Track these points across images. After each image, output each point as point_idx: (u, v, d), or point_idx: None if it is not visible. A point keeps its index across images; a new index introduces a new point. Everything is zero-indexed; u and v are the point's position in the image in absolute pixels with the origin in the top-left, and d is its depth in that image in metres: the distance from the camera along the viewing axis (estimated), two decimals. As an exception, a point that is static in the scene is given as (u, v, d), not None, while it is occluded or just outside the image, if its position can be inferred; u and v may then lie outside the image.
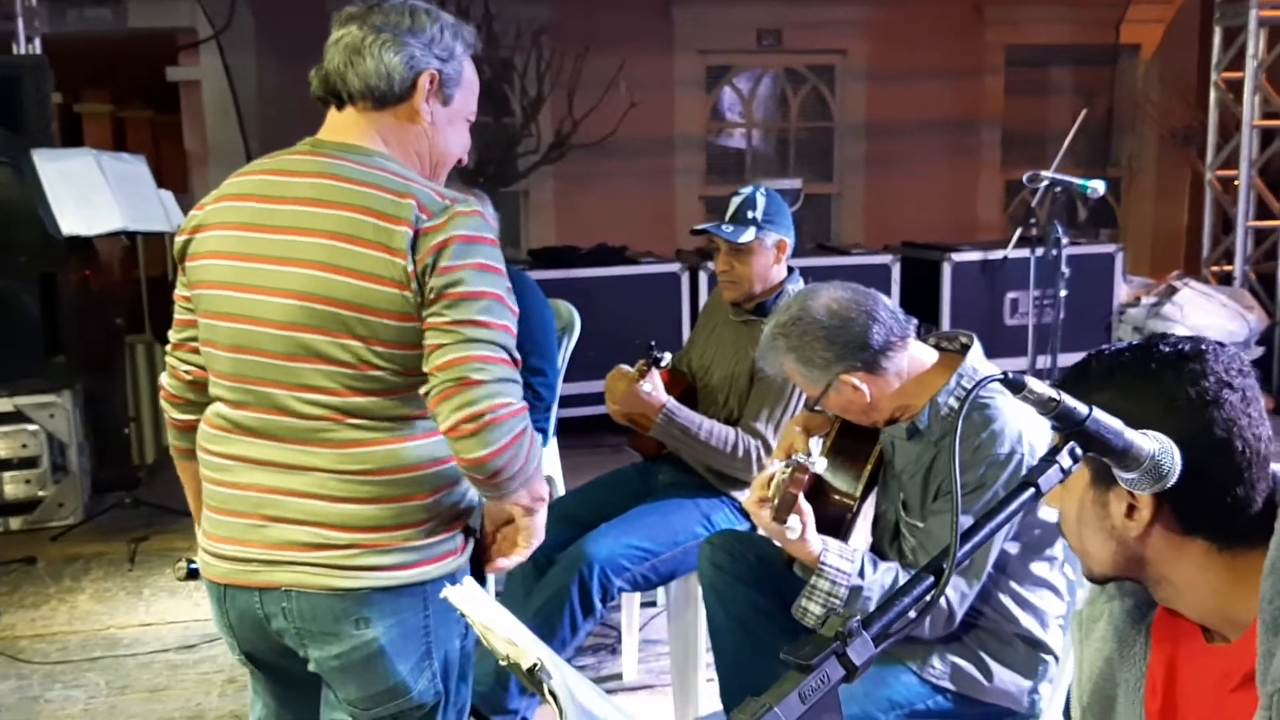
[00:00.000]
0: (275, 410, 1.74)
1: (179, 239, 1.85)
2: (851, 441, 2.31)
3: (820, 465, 2.02)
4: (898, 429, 2.24)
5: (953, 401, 2.17)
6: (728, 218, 3.07)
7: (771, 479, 2.06)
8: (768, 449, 3.03)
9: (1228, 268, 7.30)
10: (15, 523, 4.94)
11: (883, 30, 8.24)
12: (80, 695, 3.49)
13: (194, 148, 7.54)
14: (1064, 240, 4.79)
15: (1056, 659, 2.26)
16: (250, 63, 7.25)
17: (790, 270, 3.18)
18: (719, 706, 2.54)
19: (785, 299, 3.11)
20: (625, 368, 3.09)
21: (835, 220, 8.53)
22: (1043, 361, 5.18)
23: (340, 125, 1.80)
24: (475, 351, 1.66)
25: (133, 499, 4.94)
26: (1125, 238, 8.61)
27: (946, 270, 6.19)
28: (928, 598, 1.01)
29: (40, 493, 4.96)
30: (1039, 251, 5.60)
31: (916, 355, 2.23)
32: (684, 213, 8.28)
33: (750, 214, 3.06)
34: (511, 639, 1.20)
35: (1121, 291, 6.51)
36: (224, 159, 7.16)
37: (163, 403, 1.98)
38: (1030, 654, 2.23)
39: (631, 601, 3.51)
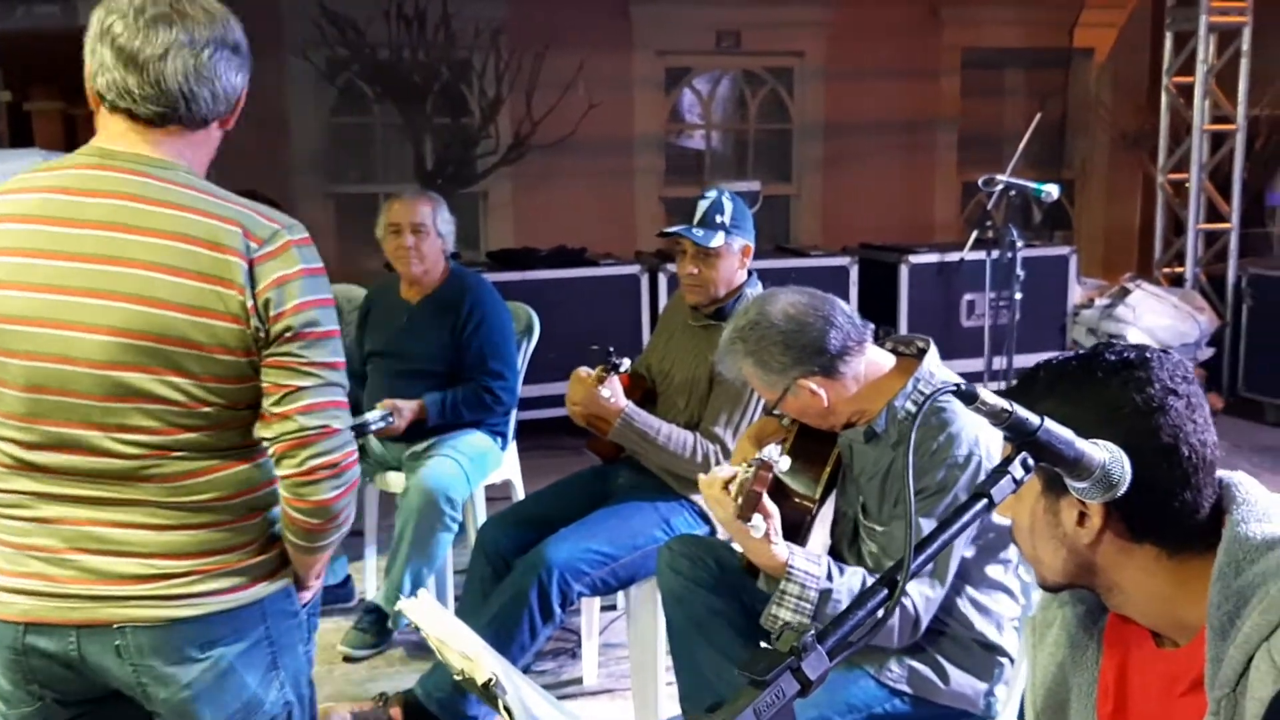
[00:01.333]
0: (85, 452, 1.62)
1: None
2: (810, 445, 2.32)
3: (784, 464, 2.03)
4: (855, 433, 2.25)
5: (909, 405, 2.19)
6: (696, 221, 3.07)
7: (731, 479, 2.07)
8: (726, 453, 3.04)
9: (1179, 269, 7.40)
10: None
11: (840, 32, 8.28)
12: None
13: (147, 147, 7.44)
14: (1019, 243, 4.84)
15: (1012, 661, 2.28)
16: (202, 61, 7.16)
17: (749, 274, 3.19)
18: (679, 711, 2.54)
19: (744, 302, 3.13)
20: (585, 371, 3.09)
21: (793, 221, 8.57)
22: (999, 363, 5.22)
23: (135, 136, 1.65)
24: (335, 397, 1.70)
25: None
26: (1078, 239, 8.71)
27: (904, 272, 6.23)
28: (881, 612, 1.01)
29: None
30: (995, 254, 5.65)
31: (873, 360, 2.25)
32: (643, 213, 8.28)
33: (719, 218, 3.06)
34: (466, 653, 1.19)
35: (1076, 293, 6.58)
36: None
37: None
38: (986, 657, 2.25)
39: (591, 605, 3.50)
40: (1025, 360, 5.66)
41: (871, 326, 2.26)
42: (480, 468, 3.81)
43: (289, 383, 1.65)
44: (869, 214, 8.12)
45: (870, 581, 2.11)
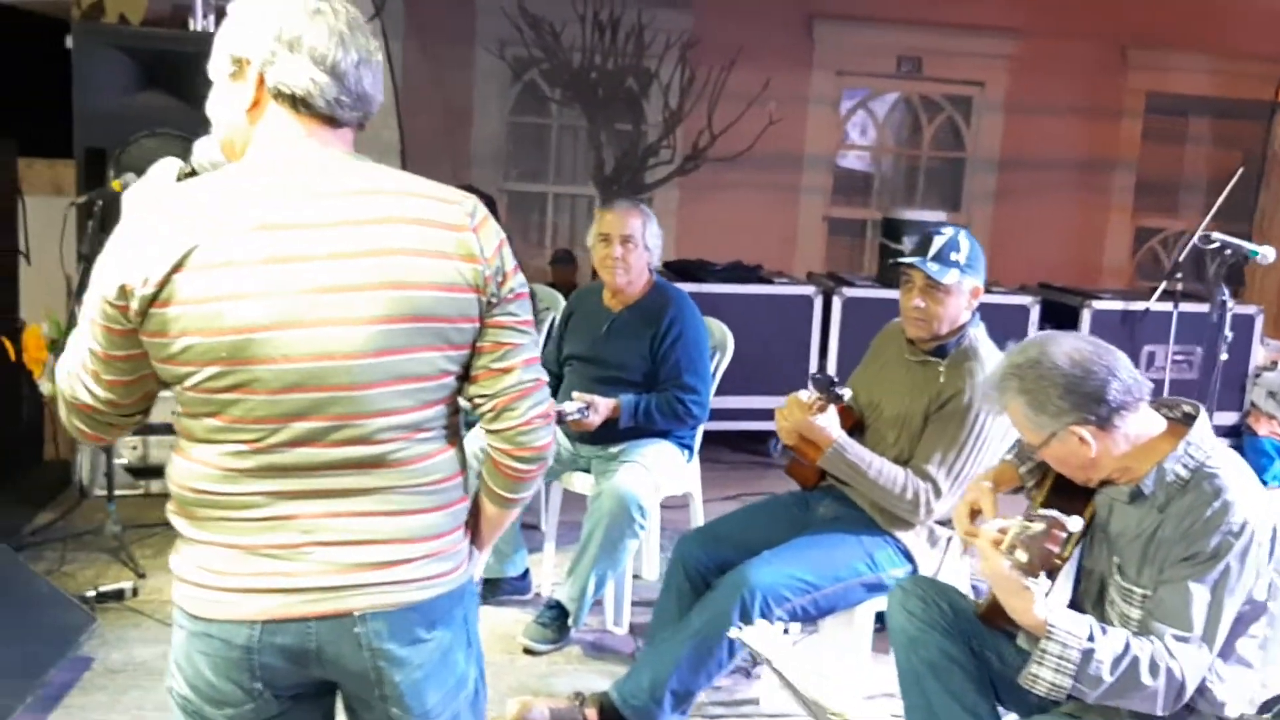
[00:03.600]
0: (335, 444, 1.66)
1: (143, 289, 1.60)
2: (1064, 499, 2.30)
3: (1076, 525, 2.01)
4: (1118, 491, 2.22)
5: (1180, 469, 2.15)
6: (931, 255, 3.07)
7: (1006, 530, 2.06)
8: (937, 492, 3.03)
9: (1363, 337, 7.10)
10: (155, 485, 5.07)
11: (1024, 65, 8.17)
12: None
13: (336, 129, 7.67)
14: (1230, 302, 4.70)
15: (1244, 736, 2.23)
16: (397, 49, 7.37)
17: (973, 314, 3.17)
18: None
19: (966, 342, 3.12)
20: (803, 396, 3.10)
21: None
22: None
23: (327, 133, 1.70)
24: (538, 353, 1.81)
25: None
26: (1252, 298, 8.41)
27: (1086, 317, 6.09)
28: None
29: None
30: (1182, 306, 5.54)
31: (1146, 419, 2.22)
32: (806, 231, 8.28)
33: (954, 255, 3.06)
34: (832, 691, 1.20)
35: (1259, 354, 6.37)
36: (367, 143, 7.28)
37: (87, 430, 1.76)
38: (1216, 730, 2.21)
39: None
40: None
41: (1151, 386, 2.23)
42: (669, 478, 3.86)
43: (510, 340, 1.74)
44: (1037, 251, 7.97)
45: (1134, 644, 2.09)
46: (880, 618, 3.02)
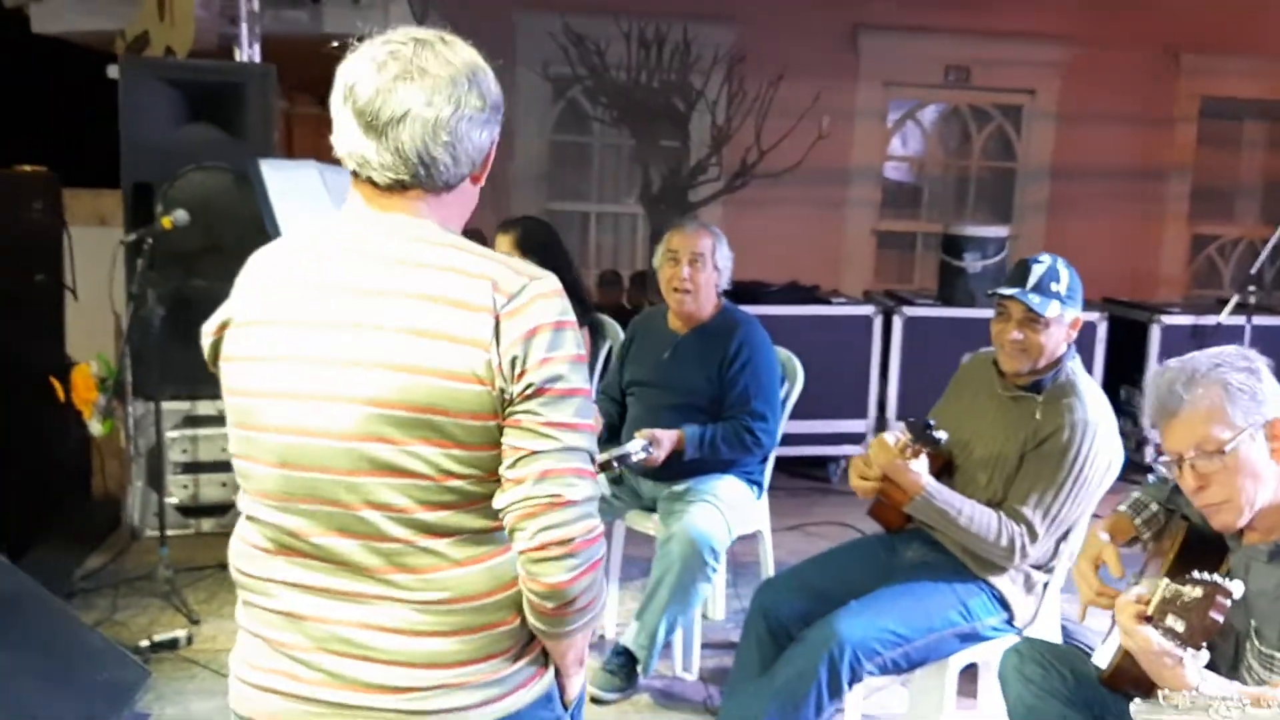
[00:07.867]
0: (337, 533, 1.52)
1: (207, 340, 1.61)
2: (1198, 556, 2.14)
3: (1239, 590, 1.84)
4: (1256, 550, 2.06)
5: None
6: (1030, 286, 2.91)
7: (1148, 599, 1.90)
8: (1033, 536, 2.87)
9: None
10: (207, 524, 4.98)
11: (1075, 72, 7.99)
12: None
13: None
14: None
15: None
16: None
17: (1069, 347, 3.01)
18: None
19: (1064, 376, 2.96)
20: (892, 438, 2.95)
21: (1012, 264, 8.27)
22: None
23: (380, 199, 1.55)
24: (571, 463, 1.51)
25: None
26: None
27: (1155, 332, 5.91)
28: None
29: (234, 497, 4.98)
30: (1256, 319, 5.38)
31: None
32: (854, 245, 8.13)
33: (1054, 286, 2.91)
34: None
35: (1338, 367, 6.15)
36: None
37: None
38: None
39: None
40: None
41: None
42: (740, 517, 3.71)
43: (524, 445, 1.48)
44: (1093, 262, 7.65)
45: None
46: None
